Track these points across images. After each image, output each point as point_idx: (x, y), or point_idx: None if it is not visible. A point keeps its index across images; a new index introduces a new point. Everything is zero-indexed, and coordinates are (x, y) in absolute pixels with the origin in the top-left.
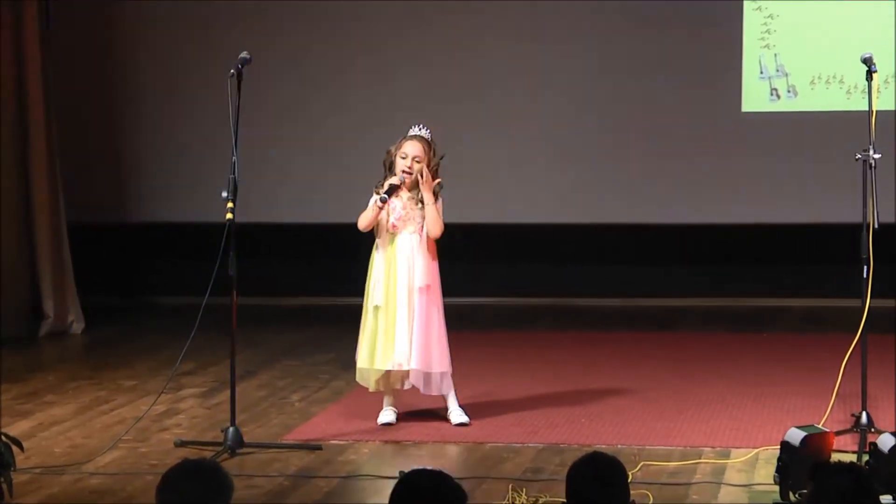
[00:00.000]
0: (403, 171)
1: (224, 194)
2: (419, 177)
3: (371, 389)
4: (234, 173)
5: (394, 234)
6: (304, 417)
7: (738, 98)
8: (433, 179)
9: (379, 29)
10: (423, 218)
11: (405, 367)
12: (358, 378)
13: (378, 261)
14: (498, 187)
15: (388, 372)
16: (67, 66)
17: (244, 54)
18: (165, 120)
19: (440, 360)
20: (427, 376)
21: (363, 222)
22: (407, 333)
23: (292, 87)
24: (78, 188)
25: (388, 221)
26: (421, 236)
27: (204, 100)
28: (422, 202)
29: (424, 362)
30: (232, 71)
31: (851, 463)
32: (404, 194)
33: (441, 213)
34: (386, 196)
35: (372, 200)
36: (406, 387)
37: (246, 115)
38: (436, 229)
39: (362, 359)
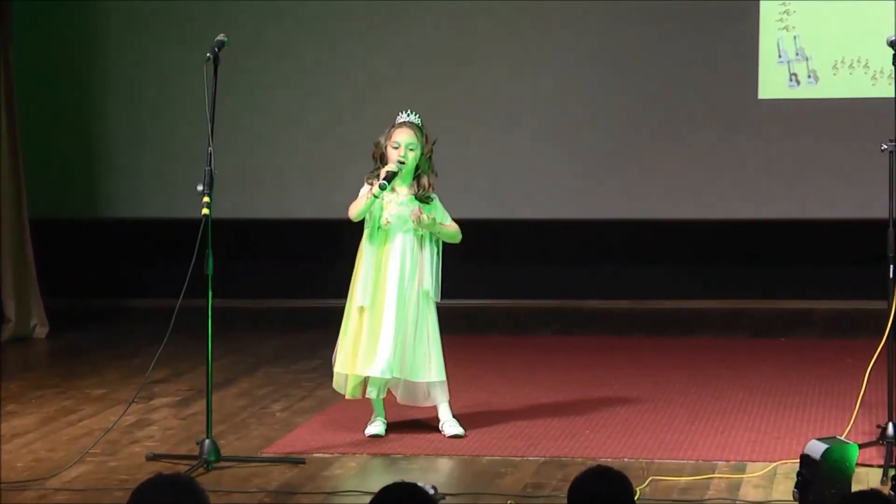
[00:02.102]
0: (399, 161)
1: (200, 188)
2: (417, 215)
3: (347, 397)
4: (210, 165)
5: (386, 231)
6: (287, 429)
7: (755, 84)
8: (427, 179)
9: (363, 17)
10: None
11: (388, 376)
12: (334, 384)
13: (367, 258)
14: (498, 182)
15: (366, 379)
16: (31, 54)
17: (221, 37)
18: (136, 109)
19: (433, 370)
20: (412, 386)
21: (355, 210)
22: (392, 338)
23: (270, 76)
24: (42, 181)
25: (380, 216)
26: (417, 232)
27: (178, 89)
28: (417, 198)
29: (409, 371)
30: (208, 55)
31: (876, 491)
32: (401, 189)
33: (446, 213)
34: (386, 183)
35: (363, 189)
36: (380, 395)
37: (224, 104)
38: (455, 240)
39: (341, 363)
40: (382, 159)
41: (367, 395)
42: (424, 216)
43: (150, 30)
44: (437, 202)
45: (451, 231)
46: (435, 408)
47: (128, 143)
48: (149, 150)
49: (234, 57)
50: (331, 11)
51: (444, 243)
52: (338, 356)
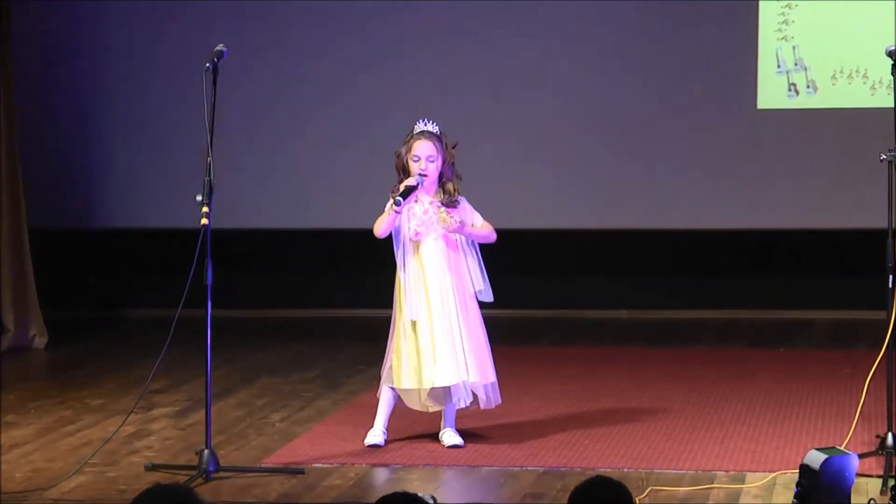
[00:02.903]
0: (420, 174)
1: (199, 198)
2: (441, 214)
3: (418, 409)
4: (209, 175)
5: (417, 243)
6: (286, 439)
7: (754, 94)
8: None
9: (369, 23)
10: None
11: (455, 381)
12: (405, 401)
13: (408, 272)
14: (493, 192)
15: (431, 390)
16: (31, 62)
17: (220, 47)
18: (136, 119)
19: (492, 371)
20: (485, 388)
21: (379, 228)
22: (452, 346)
23: (273, 85)
24: (41, 191)
25: (409, 229)
26: (448, 240)
27: (178, 98)
28: (444, 204)
29: (482, 374)
30: (207, 65)
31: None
32: (424, 198)
33: (475, 212)
34: (401, 199)
35: (388, 205)
36: (438, 406)
37: (224, 113)
38: (489, 240)
39: (408, 380)
40: (404, 170)
41: (431, 410)
42: (448, 219)
43: (151, 38)
44: (464, 205)
45: (483, 232)
46: (434, 419)
47: (127, 153)
48: (148, 160)
49: (236, 66)
50: (332, 16)
51: (480, 244)
52: (399, 374)
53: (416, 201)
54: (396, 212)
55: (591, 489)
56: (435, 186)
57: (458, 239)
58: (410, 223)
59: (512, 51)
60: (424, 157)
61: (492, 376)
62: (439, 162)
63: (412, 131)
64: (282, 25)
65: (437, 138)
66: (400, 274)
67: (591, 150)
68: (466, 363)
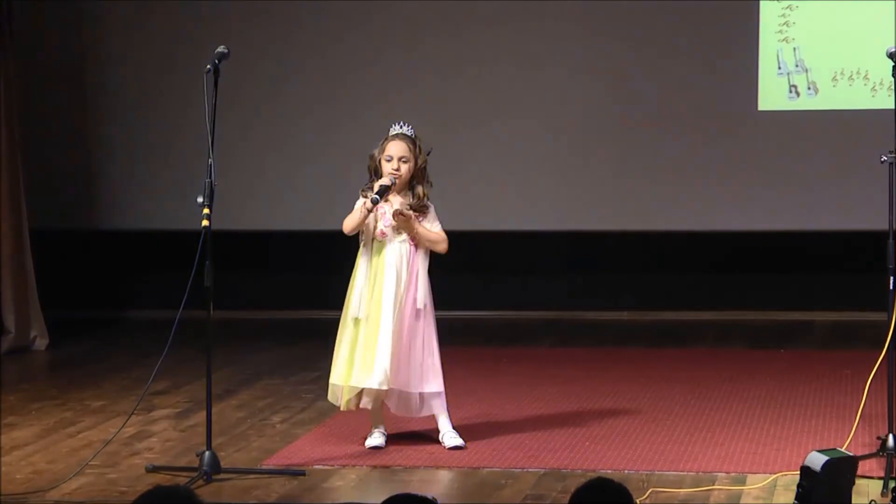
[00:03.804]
0: (392, 174)
1: (200, 199)
2: (400, 214)
3: (342, 409)
4: (210, 176)
5: (382, 242)
6: (287, 440)
7: (755, 96)
8: (421, 189)
9: (363, 26)
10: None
11: (385, 387)
12: (329, 396)
13: (362, 269)
14: (496, 193)
15: (361, 390)
16: (32, 63)
17: (221, 48)
18: (137, 120)
19: (428, 381)
20: (406, 397)
21: (349, 225)
22: (389, 350)
23: (274, 85)
24: (42, 192)
25: (375, 228)
26: (413, 247)
27: (179, 99)
28: (412, 207)
29: (403, 381)
30: (208, 66)
31: None
32: (395, 199)
33: (436, 221)
34: (378, 197)
35: (359, 203)
36: (369, 405)
37: (225, 115)
38: (439, 248)
39: (336, 375)
40: (377, 172)
41: (362, 406)
42: (404, 210)
43: (153, 40)
44: (431, 211)
45: (433, 237)
46: (434, 419)
47: (128, 154)
48: (149, 161)
49: (235, 67)
50: (332, 18)
51: (430, 254)
52: (334, 367)
53: (386, 201)
54: (370, 210)
55: (592, 491)
56: (405, 189)
57: (419, 245)
58: (378, 223)
59: (512, 51)
60: (397, 156)
61: (435, 387)
62: (411, 164)
63: (387, 133)
64: (290, 21)
65: (410, 140)
66: (357, 271)
67: (592, 152)
68: (399, 369)
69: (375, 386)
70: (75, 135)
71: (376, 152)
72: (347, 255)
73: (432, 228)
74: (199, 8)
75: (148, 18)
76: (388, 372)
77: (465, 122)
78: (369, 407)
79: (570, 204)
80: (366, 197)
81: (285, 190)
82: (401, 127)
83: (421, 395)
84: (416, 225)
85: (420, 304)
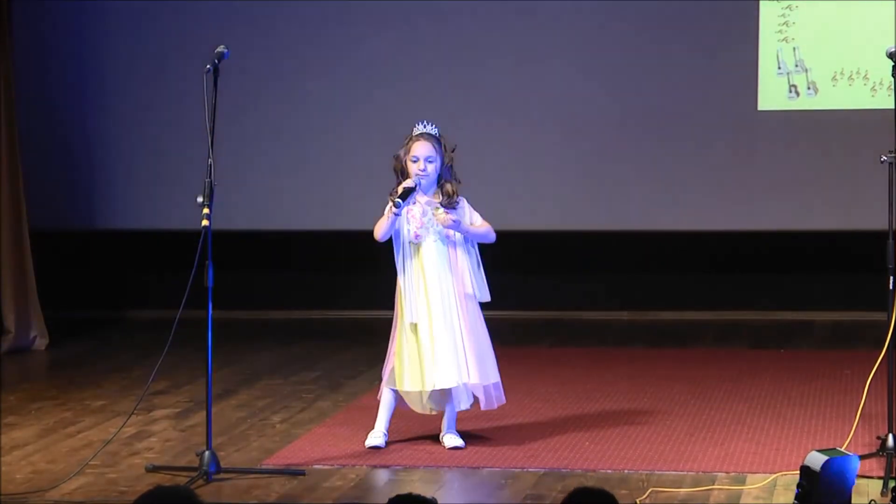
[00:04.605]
0: (418, 174)
1: (200, 199)
2: (438, 212)
3: (420, 412)
4: (210, 176)
5: (417, 245)
6: (287, 440)
7: (754, 96)
8: (450, 186)
9: (363, 24)
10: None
11: (458, 384)
12: (409, 403)
13: (406, 275)
14: (494, 192)
15: (430, 393)
16: (31, 63)
17: (221, 48)
18: (137, 120)
19: (494, 371)
20: (486, 389)
21: (379, 231)
22: (453, 348)
23: (277, 85)
24: (42, 192)
25: (409, 231)
26: (448, 241)
27: (180, 98)
28: (442, 205)
29: (483, 374)
30: (208, 66)
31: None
32: (422, 199)
33: (474, 212)
34: (401, 202)
35: (387, 208)
36: (441, 408)
37: (226, 114)
38: (488, 239)
39: (410, 382)
40: (403, 173)
41: (432, 410)
42: (444, 216)
43: (152, 40)
44: (463, 205)
45: (481, 230)
46: (435, 420)
47: (128, 154)
48: (149, 161)
49: (235, 66)
50: (332, 19)
51: (479, 245)
52: (401, 377)
53: (414, 203)
54: (396, 214)
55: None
56: (434, 188)
57: (457, 239)
58: (410, 225)
59: (509, 50)
60: (423, 157)
61: (494, 376)
62: (438, 163)
63: (411, 133)
64: (291, 21)
65: (435, 140)
66: (400, 277)
67: (592, 152)
68: (467, 365)
69: (452, 385)
70: (75, 135)
71: (401, 153)
72: (347, 255)
73: (474, 222)
74: (199, 8)
75: (148, 18)
76: (460, 369)
77: (465, 121)
78: (437, 410)
79: (569, 204)
80: (392, 200)
81: (286, 190)
82: (425, 126)
83: (487, 386)
84: (465, 226)
85: (468, 290)
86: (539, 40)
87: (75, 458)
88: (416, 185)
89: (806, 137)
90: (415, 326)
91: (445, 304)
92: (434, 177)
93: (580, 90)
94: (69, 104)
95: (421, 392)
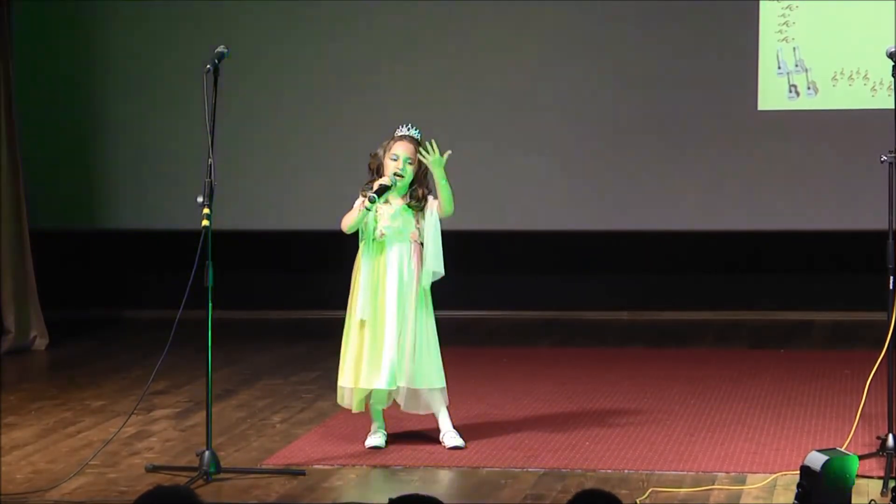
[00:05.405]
0: (395, 174)
1: (200, 199)
2: (427, 153)
3: (354, 411)
4: (210, 176)
5: (382, 243)
6: (287, 440)
7: (754, 95)
8: (422, 190)
9: (364, 21)
10: (416, 225)
11: (393, 387)
12: (339, 399)
13: (364, 271)
14: (495, 193)
15: (371, 391)
16: (31, 62)
17: (221, 48)
18: (137, 120)
19: (434, 377)
20: (415, 393)
21: (347, 223)
22: (396, 349)
23: (268, 88)
24: (42, 192)
25: (375, 228)
26: (414, 244)
27: (179, 99)
28: (412, 208)
29: (410, 378)
30: (208, 66)
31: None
32: (395, 199)
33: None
34: (375, 196)
35: (358, 202)
36: (386, 405)
37: (225, 115)
38: (450, 207)
39: (346, 378)
40: (378, 171)
41: (373, 407)
42: (436, 150)
43: (152, 40)
44: (432, 200)
45: (448, 192)
46: (434, 419)
47: (128, 153)
48: (149, 160)
49: (235, 67)
50: (335, 19)
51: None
52: (341, 371)
53: (386, 202)
54: (367, 209)
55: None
56: (406, 190)
57: (420, 234)
58: (377, 223)
59: (514, 53)
60: (403, 157)
61: (438, 382)
62: (415, 167)
63: (393, 134)
64: (290, 21)
65: (417, 143)
66: (358, 272)
67: (592, 152)
68: (409, 368)
69: (384, 387)
70: (75, 135)
71: (380, 151)
72: (347, 254)
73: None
74: (199, 8)
75: (148, 18)
76: (396, 371)
77: (465, 121)
78: (379, 408)
79: (569, 204)
80: (365, 196)
81: (286, 190)
82: (408, 129)
83: (427, 391)
84: (442, 171)
85: (439, 268)
86: (539, 41)
87: (75, 458)
88: (392, 184)
89: (806, 137)
90: (362, 323)
91: (400, 305)
92: (409, 180)
93: (580, 91)
94: (69, 104)
95: (353, 389)
